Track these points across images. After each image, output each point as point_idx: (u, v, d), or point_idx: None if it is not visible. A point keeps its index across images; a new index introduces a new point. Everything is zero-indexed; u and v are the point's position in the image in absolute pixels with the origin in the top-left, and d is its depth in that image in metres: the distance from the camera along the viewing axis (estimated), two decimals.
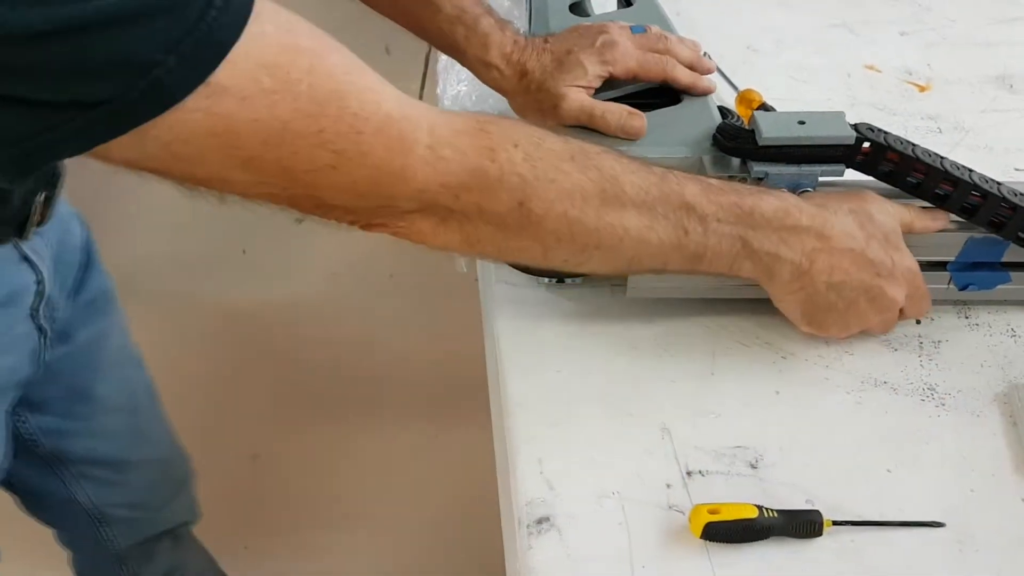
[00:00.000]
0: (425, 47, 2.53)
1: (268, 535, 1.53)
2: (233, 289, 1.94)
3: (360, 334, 1.76)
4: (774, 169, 0.66)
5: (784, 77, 1.00)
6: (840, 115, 0.67)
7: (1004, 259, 0.68)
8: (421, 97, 2.34)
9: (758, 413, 0.64)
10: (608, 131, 0.73)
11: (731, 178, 0.67)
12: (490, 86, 0.79)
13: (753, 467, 0.60)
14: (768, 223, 0.61)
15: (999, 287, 0.70)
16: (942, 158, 0.66)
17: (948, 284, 0.69)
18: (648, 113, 0.74)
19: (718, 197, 0.60)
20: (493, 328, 0.71)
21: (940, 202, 0.66)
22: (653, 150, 0.70)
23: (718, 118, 0.74)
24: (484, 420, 0.74)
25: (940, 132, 0.91)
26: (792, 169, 0.66)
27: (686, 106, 0.76)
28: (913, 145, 0.66)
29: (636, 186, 0.57)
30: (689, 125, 0.73)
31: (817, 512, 0.56)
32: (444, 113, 0.55)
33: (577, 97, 0.74)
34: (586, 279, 0.72)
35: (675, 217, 0.58)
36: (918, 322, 0.69)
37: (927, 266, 0.68)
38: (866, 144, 0.66)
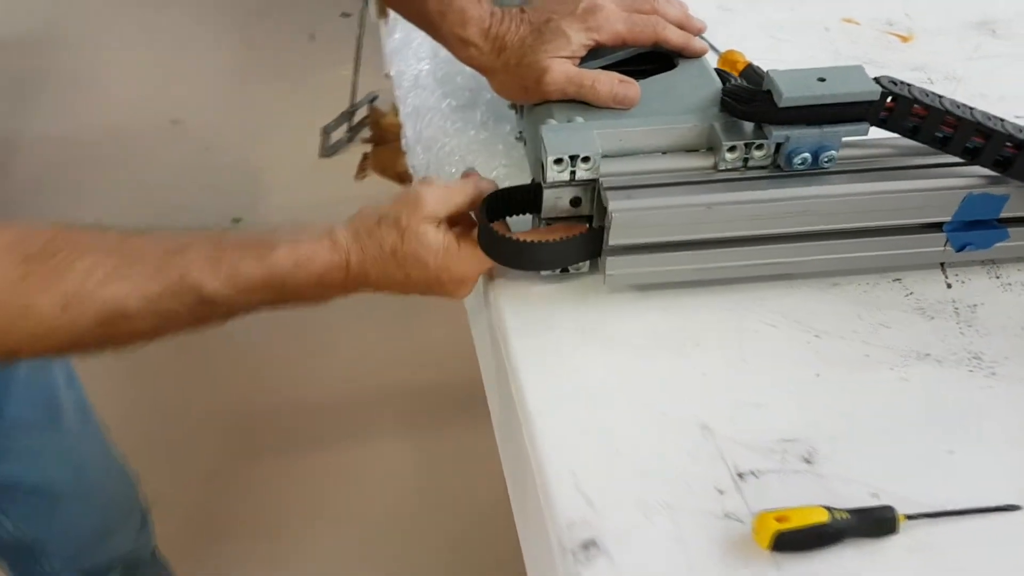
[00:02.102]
0: (355, 32, 2.42)
1: (236, 545, 1.45)
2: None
3: (321, 334, 1.67)
4: (795, 132, 0.61)
5: (761, 35, 0.94)
6: (859, 69, 0.61)
7: (1002, 215, 0.64)
8: (355, 84, 2.24)
9: (801, 400, 0.58)
10: (599, 102, 0.67)
11: (747, 146, 0.62)
12: (467, 64, 0.71)
13: (807, 462, 0.54)
14: (297, 278, 0.59)
15: (997, 245, 0.65)
16: (971, 109, 0.61)
17: (944, 246, 0.65)
18: (643, 81, 0.68)
19: (233, 270, 0.57)
20: (500, 327, 0.64)
21: (972, 156, 0.61)
22: (658, 120, 0.64)
23: (718, 81, 0.68)
24: (468, 420, 0.67)
25: (932, 83, 0.87)
26: (814, 131, 0.61)
27: (682, 70, 0.70)
28: (940, 97, 0.61)
29: (140, 299, 0.54)
30: (689, 91, 0.67)
31: (889, 508, 0.50)
32: None
33: (562, 68, 0.67)
34: (592, 266, 0.66)
35: (190, 312, 0.57)
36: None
37: (921, 228, 0.63)
38: (890, 99, 0.61)
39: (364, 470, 1.53)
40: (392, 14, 1.03)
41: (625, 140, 0.63)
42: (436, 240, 0.60)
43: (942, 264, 0.67)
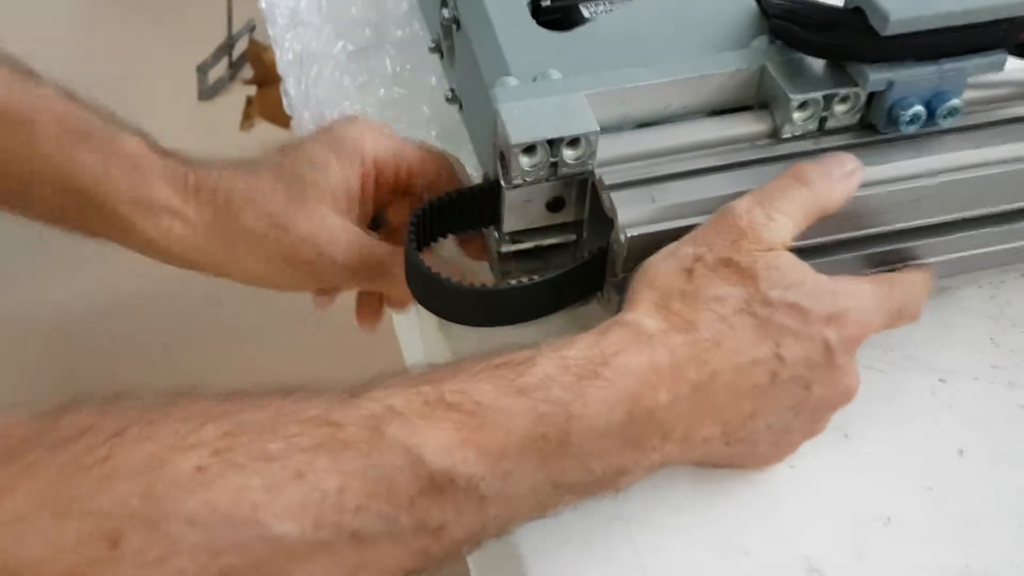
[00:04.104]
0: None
1: None
2: (36, 288, 1.56)
3: (206, 335, 1.41)
4: (902, 74, 0.38)
5: None
6: None
7: None
8: (230, 11, 1.92)
9: (948, 499, 0.37)
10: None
11: (827, 98, 0.39)
12: (159, 255, 0.46)
13: None
14: (600, 435, 0.32)
15: None
16: None
17: None
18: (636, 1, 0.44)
19: (507, 439, 0.31)
20: None
21: None
22: (678, 66, 0.40)
23: None
24: None
25: None
26: (929, 69, 0.38)
27: None
28: None
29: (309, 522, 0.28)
30: (710, 11, 0.44)
31: None
32: None
33: (347, 238, 0.43)
34: (585, 300, 0.43)
35: (410, 528, 0.30)
36: None
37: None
38: None
39: None
40: None
41: (631, 102, 0.40)
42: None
43: None
